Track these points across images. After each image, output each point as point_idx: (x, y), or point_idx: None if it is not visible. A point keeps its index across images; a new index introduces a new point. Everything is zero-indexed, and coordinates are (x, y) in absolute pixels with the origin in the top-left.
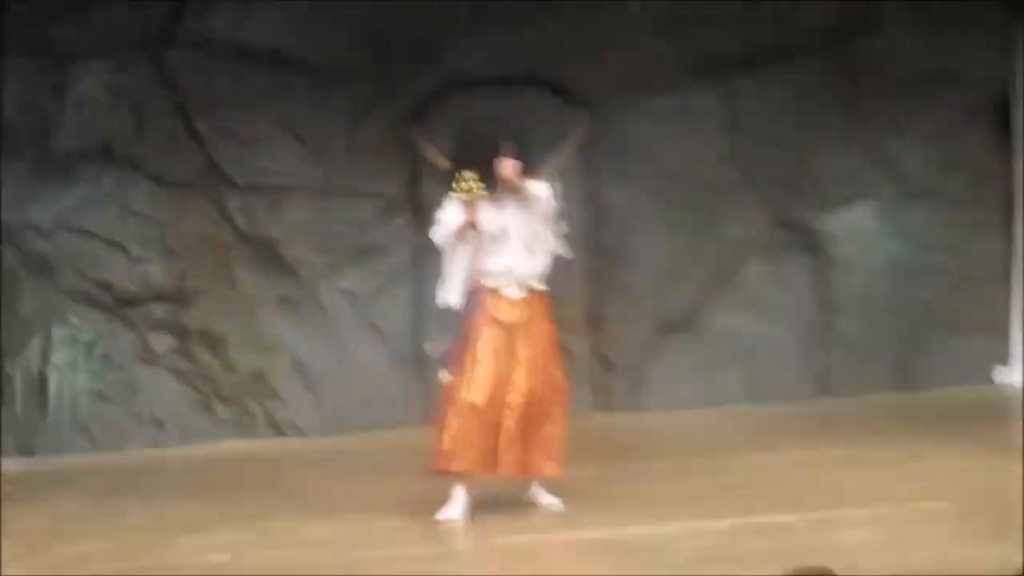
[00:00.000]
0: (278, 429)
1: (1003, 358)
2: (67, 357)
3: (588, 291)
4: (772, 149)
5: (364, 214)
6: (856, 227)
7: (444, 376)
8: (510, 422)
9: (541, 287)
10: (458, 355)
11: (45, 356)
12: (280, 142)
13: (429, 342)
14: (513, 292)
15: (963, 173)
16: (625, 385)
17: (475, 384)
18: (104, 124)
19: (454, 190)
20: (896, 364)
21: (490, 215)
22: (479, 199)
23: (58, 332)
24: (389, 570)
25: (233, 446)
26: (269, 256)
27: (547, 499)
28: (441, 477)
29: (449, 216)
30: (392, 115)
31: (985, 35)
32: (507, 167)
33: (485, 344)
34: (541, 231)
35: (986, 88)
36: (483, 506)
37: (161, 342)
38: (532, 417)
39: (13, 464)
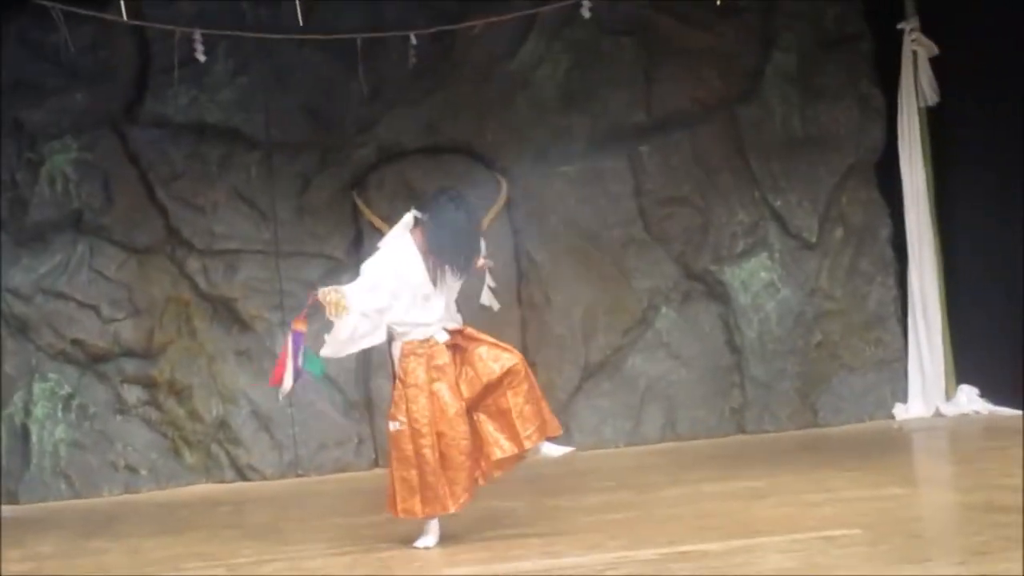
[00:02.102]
0: (241, 473)
1: (901, 396)
2: (47, 410)
3: (517, 340)
4: (676, 208)
5: (312, 273)
6: (755, 277)
7: (390, 425)
8: (456, 452)
9: (459, 324)
10: (399, 407)
11: (27, 410)
12: (234, 209)
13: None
14: (442, 336)
15: (843, 226)
16: None
17: (425, 431)
18: (75, 196)
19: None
20: (802, 402)
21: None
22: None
23: (38, 387)
24: None
25: (201, 489)
26: (227, 313)
27: (557, 450)
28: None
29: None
30: (335, 183)
31: (856, 101)
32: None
33: (432, 389)
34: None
35: (859, 149)
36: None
37: (132, 394)
38: (514, 385)
39: None
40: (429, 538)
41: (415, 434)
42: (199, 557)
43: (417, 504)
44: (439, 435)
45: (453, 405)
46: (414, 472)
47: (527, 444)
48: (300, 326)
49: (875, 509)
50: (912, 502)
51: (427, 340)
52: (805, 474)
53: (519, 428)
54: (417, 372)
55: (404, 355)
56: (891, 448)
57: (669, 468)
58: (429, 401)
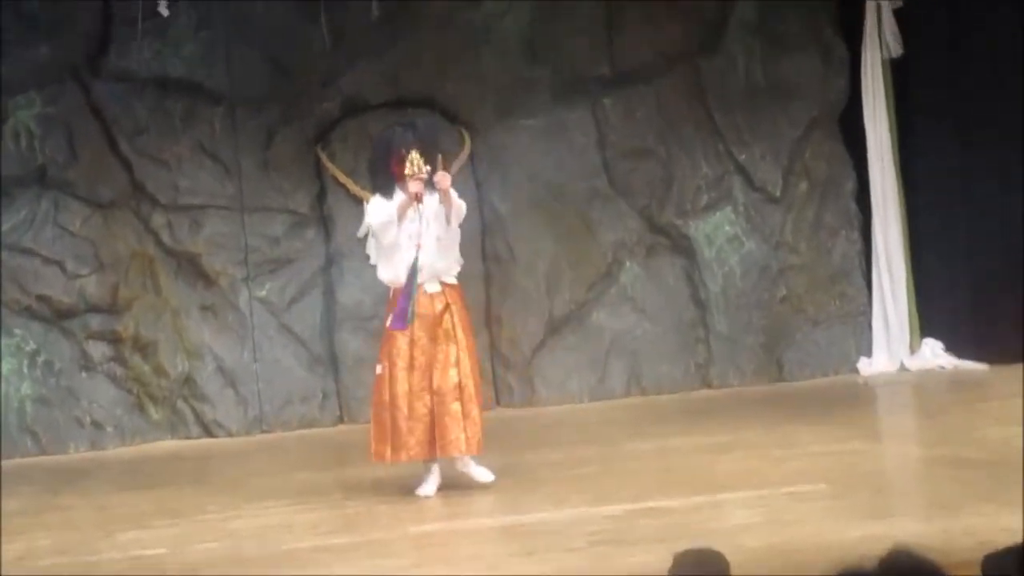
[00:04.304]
0: (206, 429)
1: (866, 350)
2: (12, 366)
3: (482, 294)
4: (640, 161)
5: (277, 229)
6: (719, 231)
7: (376, 369)
8: (441, 408)
9: (453, 280)
10: (383, 350)
11: None
12: (198, 164)
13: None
14: (431, 287)
15: (807, 180)
16: (520, 381)
17: (400, 376)
18: (39, 151)
19: (406, 171)
20: (767, 357)
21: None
22: (423, 178)
23: (3, 343)
24: (312, 559)
25: (166, 445)
26: (192, 269)
27: (479, 472)
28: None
29: (378, 207)
30: (298, 137)
31: (819, 53)
32: (437, 173)
33: (412, 338)
34: (453, 230)
35: (822, 101)
36: (395, 494)
37: (97, 350)
38: (458, 399)
39: None
40: (427, 486)
41: (392, 379)
42: (166, 513)
43: (388, 449)
44: (409, 385)
45: (420, 358)
46: (387, 416)
47: (477, 450)
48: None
49: (840, 464)
50: (877, 457)
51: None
52: (770, 429)
53: (473, 432)
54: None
55: (389, 299)
56: (856, 402)
57: (634, 423)
58: (408, 347)
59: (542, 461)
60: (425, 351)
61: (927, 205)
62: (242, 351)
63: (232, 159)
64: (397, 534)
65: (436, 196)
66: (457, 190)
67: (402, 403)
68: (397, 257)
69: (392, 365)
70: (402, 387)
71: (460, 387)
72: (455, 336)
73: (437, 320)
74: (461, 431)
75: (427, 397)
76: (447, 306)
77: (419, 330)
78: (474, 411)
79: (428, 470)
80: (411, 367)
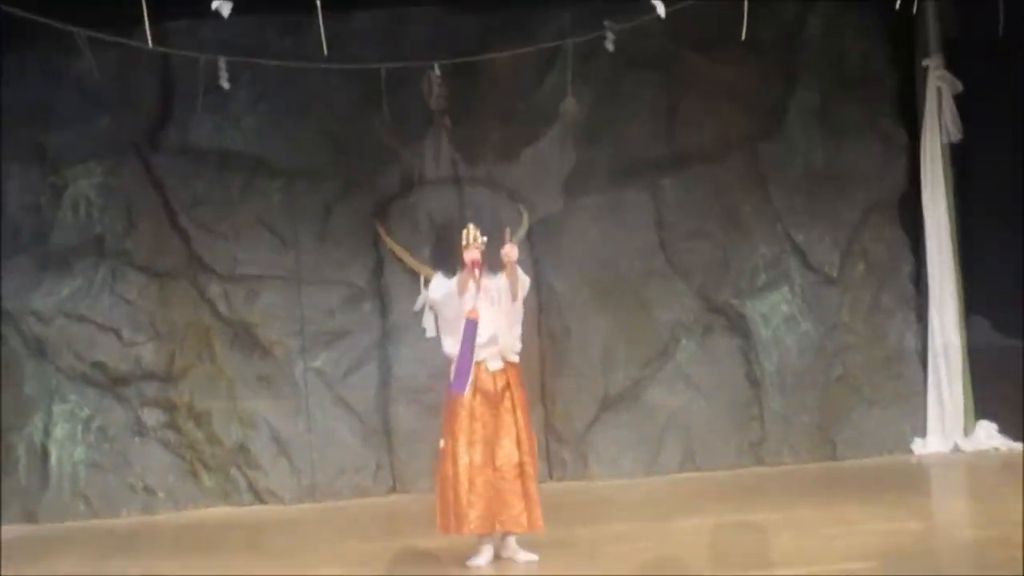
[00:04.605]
0: (259, 496)
1: (920, 431)
2: (66, 431)
3: (537, 370)
4: (697, 241)
5: (333, 301)
6: (775, 310)
7: (439, 444)
8: (503, 484)
9: (515, 358)
10: (446, 425)
11: (46, 430)
12: (256, 236)
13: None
14: (493, 364)
15: (864, 262)
16: (574, 456)
17: (462, 451)
18: (98, 221)
19: (463, 242)
20: (821, 436)
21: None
22: (480, 248)
23: (58, 408)
24: None
25: (218, 512)
26: (247, 338)
27: (524, 556)
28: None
29: (438, 282)
30: (357, 211)
31: (878, 138)
32: (505, 246)
33: (474, 414)
34: (517, 306)
35: (881, 185)
36: (447, 566)
37: (152, 416)
38: (519, 476)
39: (17, 530)
40: (480, 557)
41: (454, 454)
42: None
43: (451, 521)
44: (470, 459)
45: (481, 432)
46: (450, 490)
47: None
48: (473, 315)
49: (892, 543)
50: (929, 537)
51: (478, 364)
52: (823, 507)
53: (533, 510)
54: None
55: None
56: (909, 483)
57: (687, 500)
58: (469, 421)
59: (593, 536)
60: (487, 425)
61: (984, 288)
62: (296, 421)
63: (290, 231)
64: None
65: (499, 274)
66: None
67: (463, 477)
68: (460, 328)
69: (454, 440)
70: (463, 461)
71: (520, 464)
72: (515, 414)
73: (499, 397)
74: (523, 508)
75: (489, 472)
76: (507, 384)
77: (480, 405)
78: (533, 489)
79: (482, 543)
80: (472, 442)
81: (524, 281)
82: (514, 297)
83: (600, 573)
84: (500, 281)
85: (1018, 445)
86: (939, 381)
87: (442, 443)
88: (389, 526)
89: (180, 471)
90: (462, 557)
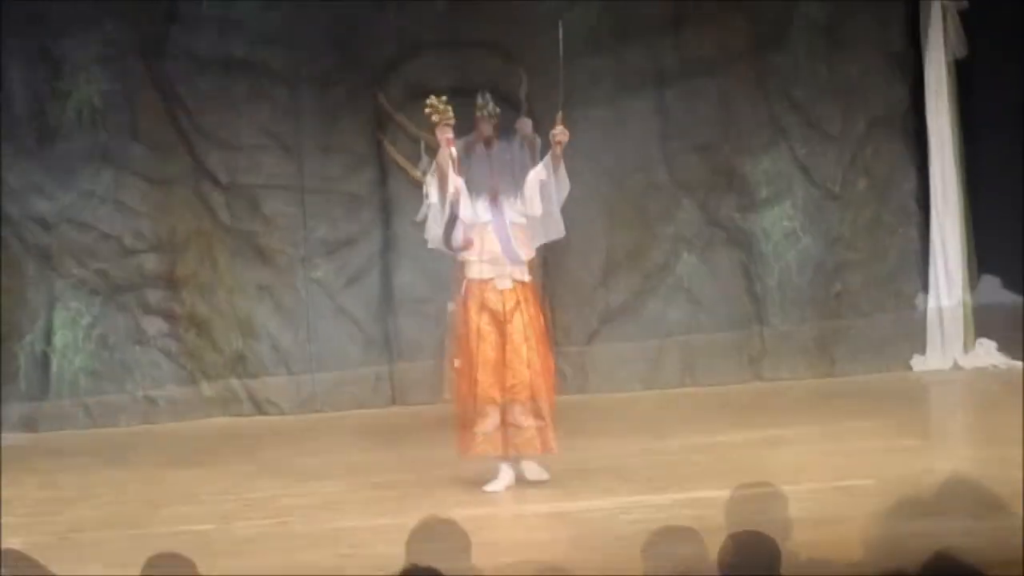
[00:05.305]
0: (258, 406)
1: (919, 348)
2: (67, 339)
3: (538, 281)
4: (700, 155)
5: (335, 210)
6: (777, 225)
7: (454, 363)
8: (514, 407)
9: (526, 278)
10: (460, 344)
11: (47, 338)
12: (259, 144)
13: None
14: (503, 283)
15: (868, 177)
16: (574, 369)
17: (478, 373)
18: (101, 128)
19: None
20: (820, 352)
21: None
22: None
23: (59, 316)
24: (359, 539)
25: (218, 422)
26: (249, 247)
27: (535, 473)
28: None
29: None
30: (361, 121)
31: (883, 53)
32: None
33: (481, 333)
34: (551, 208)
35: (885, 101)
36: (445, 477)
37: (152, 325)
38: (531, 399)
39: (16, 438)
40: (496, 483)
41: (467, 375)
42: (215, 489)
43: (467, 443)
44: (479, 379)
45: (490, 354)
46: (464, 410)
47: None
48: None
49: (890, 460)
50: (927, 454)
51: (486, 281)
52: (821, 424)
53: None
54: (471, 314)
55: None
56: (907, 399)
57: (685, 414)
58: (478, 342)
59: (593, 449)
60: (495, 347)
61: (987, 206)
62: (297, 331)
63: (293, 140)
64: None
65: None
66: (517, 177)
67: (472, 398)
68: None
69: (464, 360)
70: (472, 381)
71: (531, 386)
72: (525, 334)
73: (507, 317)
74: (535, 432)
75: (496, 393)
76: (517, 303)
77: (487, 325)
78: (546, 411)
79: (500, 466)
80: (481, 363)
81: (566, 181)
82: (547, 199)
83: (595, 486)
84: (522, 177)
85: (1017, 363)
86: (939, 298)
87: (456, 362)
88: (388, 437)
89: (180, 380)
90: (460, 469)
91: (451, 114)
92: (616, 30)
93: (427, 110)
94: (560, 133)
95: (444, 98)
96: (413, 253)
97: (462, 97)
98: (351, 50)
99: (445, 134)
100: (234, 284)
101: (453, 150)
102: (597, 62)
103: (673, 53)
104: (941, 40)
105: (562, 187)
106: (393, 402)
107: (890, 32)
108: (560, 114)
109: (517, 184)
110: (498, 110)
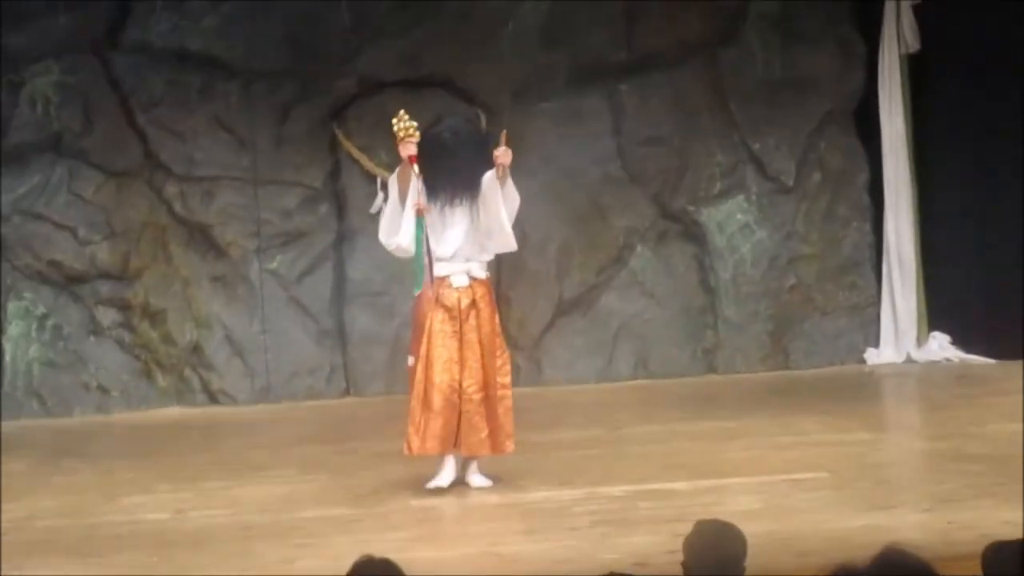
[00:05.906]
0: (212, 397)
1: (873, 341)
2: (21, 329)
3: (493, 276)
4: (654, 148)
5: (289, 202)
6: (731, 218)
7: (409, 361)
8: (468, 406)
9: (482, 275)
10: (415, 341)
11: (1, 328)
12: (213, 136)
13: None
14: (459, 280)
15: (822, 171)
16: (527, 362)
17: (431, 370)
18: (55, 119)
19: (394, 127)
20: (774, 345)
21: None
22: (413, 137)
23: (13, 306)
24: (314, 530)
25: (172, 413)
26: (203, 239)
27: (478, 480)
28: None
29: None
30: (314, 113)
31: (837, 46)
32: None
33: (436, 331)
34: (497, 219)
35: (839, 94)
36: (399, 468)
37: (106, 316)
38: (485, 399)
39: None
40: (439, 479)
41: (420, 372)
42: (169, 480)
43: (415, 440)
44: (431, 378)
45: (443, 352)
46: (416, 407)
47: (499, 450)
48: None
49: (843, 453)
50: (880, 447)
51: (442, 279)
52: (774, 416)
53: (496, 433)
54: (426, 310)
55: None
56: (861, 393)
57: (639, 406)
58: (431, 340)
59: (547, 441)
60: (448, 345)
61: (939, 199)
62: (251, 322)
63: (247, 132)
64: (399, 508)
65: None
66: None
67: (423, 396)
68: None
69: (418, 358)
70: (425, 379)
71: (485, 386)
72: (479, 333)
73: (463, 315)
74: (488, 433)
75: (450, 393)
76: (473, 301)
77: (442, 323)
78: (500, 412)
79: (443, 464)
80: (434, 360)
81: (515, 196)
82: (494, 212)
83: (550, 477)
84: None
85: (970, 357)
86: (892, 291)
87: (410, 360)
88: (342, 429)
89: (134, 371)
90: (414, 461)
91: (415, 131)
92: (570, 24)
93: (393, 125)
94: (503, 154)
95: (407, 116)
96: (367, 245)
97: (418, 90)
98: (305, 43)
99: (408, 151)
100: (188, 275)
101: (416, 167)
102: (551, 56)
103: (626, 47)
104: (895, 34)
105: (511, 201)
106: (347, 393)
107: (844, 26)
108: (504, 133)
109: (469, 187)
110: (415, 124)
